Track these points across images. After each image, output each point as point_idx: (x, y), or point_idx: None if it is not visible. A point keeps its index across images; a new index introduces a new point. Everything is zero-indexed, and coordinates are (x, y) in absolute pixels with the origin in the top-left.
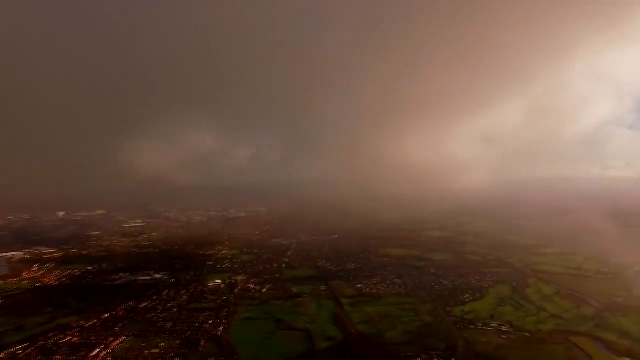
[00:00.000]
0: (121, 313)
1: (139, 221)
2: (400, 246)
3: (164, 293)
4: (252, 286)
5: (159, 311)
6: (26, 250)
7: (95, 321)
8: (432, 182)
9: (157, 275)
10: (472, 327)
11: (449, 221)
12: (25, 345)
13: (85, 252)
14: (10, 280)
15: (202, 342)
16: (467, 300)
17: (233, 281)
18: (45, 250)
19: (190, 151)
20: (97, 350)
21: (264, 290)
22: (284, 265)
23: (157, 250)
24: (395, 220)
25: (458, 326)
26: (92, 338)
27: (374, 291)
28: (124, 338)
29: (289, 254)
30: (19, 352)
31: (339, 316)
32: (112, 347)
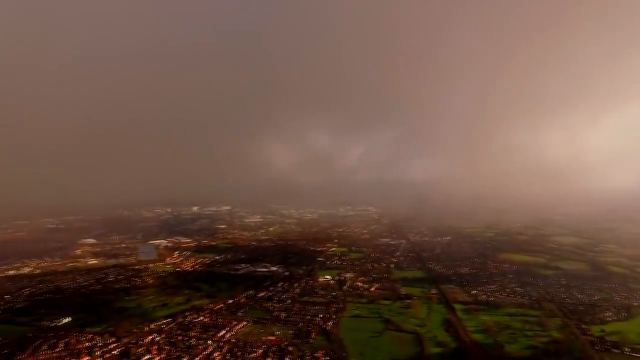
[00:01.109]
0: (243, 300)
1: (257, 217)
2: (524, 251)
3: (279, 285)
4: (360, 284)
5: (274, 301)
6: (169, 239)
7: (221, 305)
8: (570, 180)
9: (273, 268)
10: (616, 351)
11: (586, 226)
12: (168, 320)
13: (214, 243)
14: (158, 263)
15: (313, 334)
16: (609, 319)
17: (342, 278)
18: (183, 240)
19: (308, 151)
20: (223, 331)
21: (372, 289)
22: (392, 265)
23: (273, 244)
24: (520, 222)
25: (597, 347)
26: (219, 320)
27: (491, 299)
28: (245, 323)
29: (398, 254)
30: (163, 325)
31: (451, 322)
32: (235, 330)
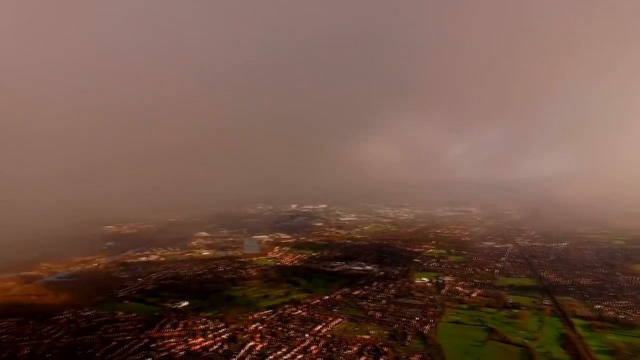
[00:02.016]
0: (338, 297)
1: (352, 215)
2: None
3: (374, 284)
4: (460, 289)
5: (369, 300)
6: (270, 235)
7: (318, 301)
8: None
9: (368, 267)
10: None
11: None
12: (270, 311)
13: (311, 240)
14: (261, 257)
15: (409, 337)
16: None
17: (440, 281)
18: (283, 235)
19: (409, 149)
20: (320, 326)
21: (474, 294)
22: (497, 271)
23: (367, 243)
24: None
25: None
26: (316, 315)
27: (621, 316)
28: (340, 320)
29: (503, 259)
30: (264, 316)
31: (569, 338)
32: (331, 326)
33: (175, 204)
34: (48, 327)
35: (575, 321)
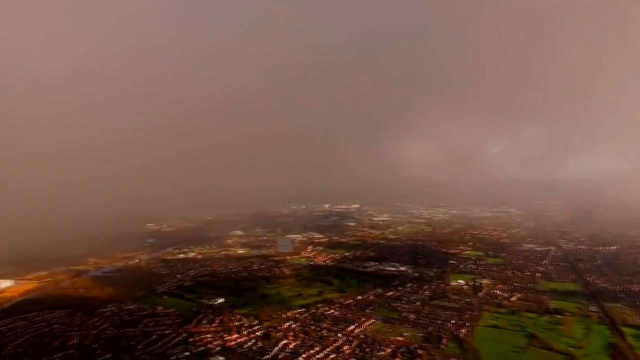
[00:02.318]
0: (371, 297)
1: (386, 215)
2: None
3: (408, 285)
4: (498, 292)
5: (403, 302)
6: (303, 234)
7: (351, 301)
8: None
9: (402, 268)
10: None
11: None
12: (302, 310)
13: (344, 240)
14: (294, 256)
15: (444, 340)
16: None
17: (477, 284)
18: (316, 235)
19: (446, 148)
20: (352, 326)
21: (513, 298)
22: (538, 275)
23: (401, 244)
24: None
25: None
26: (349, 315)
27: None
28: (373, 320)
29: (545, 262)
30: (297, 315)
31: (619, 348)
32: (364, 327)
33: (212, 203)
34: (94, 319)
35: (626, 330)
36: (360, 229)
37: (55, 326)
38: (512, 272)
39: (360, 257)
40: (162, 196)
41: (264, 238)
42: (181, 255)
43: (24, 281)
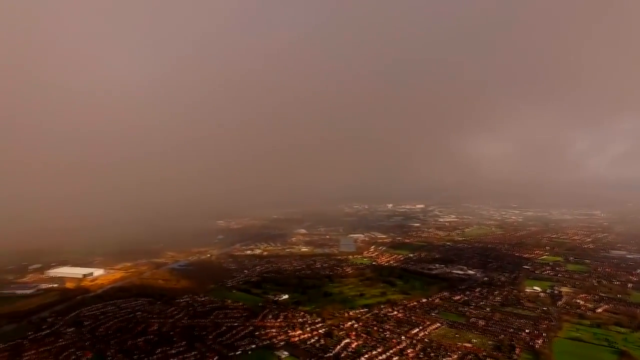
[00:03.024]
0: (437, 301)
1: (453, 216)
2: None
3: (477, 290)
4: (581, 302)
5: (471, 307)
6: (366, 234)
7: (415, 303)
8: None
9: (470, 272)
10: None
11: None
12: (365, 310)
13: (408, 241)
14: (357, 256)
15: (517, 350)
16: None
17: (556, 292)
18: (379, 235)
19: (524, 145)
20: (417, 329)
21: (599, 310)
22: (630, 285)
23: (469, 246)
24: None
25: None
26: (413, 318)
27: None
28: (438, 325)
29: (639, 271)
30: (359, 315)
31: None
32: (428, 330)
33: (279, 202)
34: (171, 309)
35: None
36: (425, 229)
37: (138, 313)
38: (598, 281)
39: (425, 258)
40: (233, 194)
41: (327, 237)
42: (248, 252)
43: (113, 271)
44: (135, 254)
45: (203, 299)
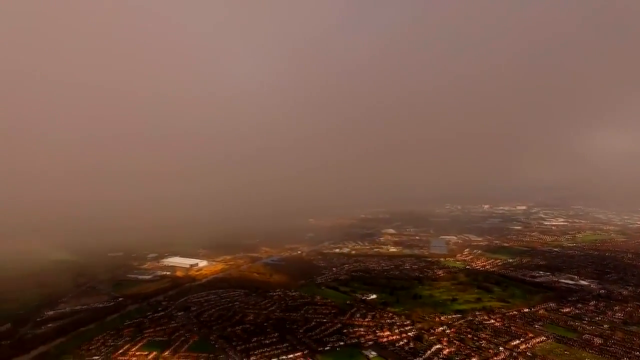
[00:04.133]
0: (541, 312)
1: (561, 219)
2: None
3: (591, 303)
4: None
5: (584, 322)
6: (459, 236)
7: (515, 312)
8: None
9: (583, 282)
10: None
11: None
12: (458, 316)
13: (507, 245)
14: (448, 258)
15: None
16: None
17: None
18: (473, 237)
19: None
20: (517, 341)
21: None
22: None
23: (581, 253)
24: None
25: None
26: (513, 328)
27: None
28: (543, 338)
29: None
30: (451, 320)
31: None
32: (531, 344)
33: (368, 202)
34: (265, 301)
35: None
36: (528, 233)
37: (236, 303)
38: None
39: (527, 265)
40: (328, 194)
41: (417, 237)
42: (337, 250)
43: (215, 263)
44: (234, 248)
45: (294, 293)
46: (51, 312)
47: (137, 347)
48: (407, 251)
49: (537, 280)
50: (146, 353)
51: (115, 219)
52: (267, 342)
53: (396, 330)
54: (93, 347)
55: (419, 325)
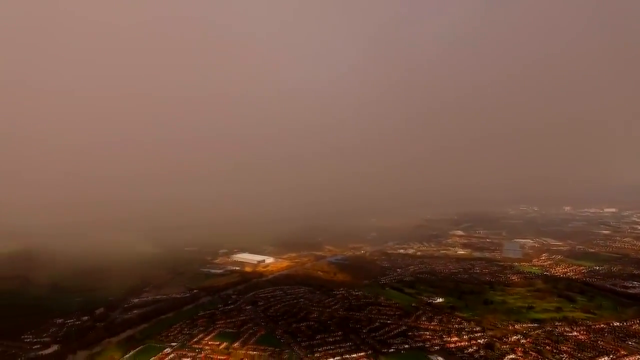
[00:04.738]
0: (635, 327)
1: None
2: None
3: None
4: None
5: None
6: (536, 240)
7: (603, 326)
8: None
9: None
10: None
11: None
12: (535, 325)
13: (592, 250)
14: (524, 263)
15: None
16: None
17: None
18: (552, 242)
19: None
20: (606, 358)
21: None
22: None
23: None
24: None
25: None
26: (600, 343)
27: None
28: (638, 357)
29: None
30: (526, 329)
31: None
32: None
33: (434, 202)
34: (329, 299)
35: None
36: (618, 238)
37: (301, 300)
38: None
39: (618, 273)
40: (392, 194)
41: (487, 240)
42: (401, 251)
43: (281, 259)
44: (299, 246)
45: (357, 293)
46: (136, 300)
47: (209, 336)
48: (477, 254)
49: (631, 291)
50: (217, 343)
51: (189, 215)
52: (331, 340)
53: (465, 337)
54: (171, 334)
55: (491, 333)
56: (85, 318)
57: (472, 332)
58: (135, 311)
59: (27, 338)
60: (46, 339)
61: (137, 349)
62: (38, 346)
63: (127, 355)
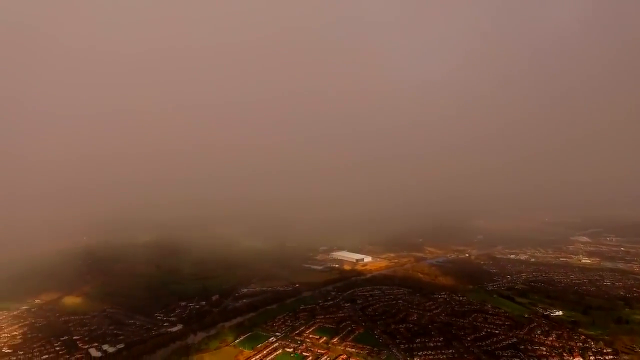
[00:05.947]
0: None
1: None
2: None
3: None
4: None
5: None
6: None
7: None
8: None
9: None
10: None
11: None
12: None
13: None
14: None
15: None
16: None
17: None
18: None
19: None
20: None
21: None
22: None
23: None
24: None
25: None
26: None
27: None
28: None
29: None
30: None
31: None
32: None
33: (554, 203)
34: (429, 303)
35: None
36: None
37: (399, 301)
38: None
39: None
40: (505, 194)
41: (621, 249)
42: (512, 256)
43: (379, 259)
44: (398, 246)
45: (461, 298)
46: (245, 290)
47: (310, 330)
48: (607, 264)
49: None
50: (317, 337)
51: (291, 213)
52: (432, 344)
53: (591, 357)
54: (276, 324)
55: (626, 358)
56: (203, 303)
57: (601, 353)
58: (244, 300)
59: (158, 316)
60: (173, 319)
61: (246, 334)
62: (167, 324)
63: (238, 340)
